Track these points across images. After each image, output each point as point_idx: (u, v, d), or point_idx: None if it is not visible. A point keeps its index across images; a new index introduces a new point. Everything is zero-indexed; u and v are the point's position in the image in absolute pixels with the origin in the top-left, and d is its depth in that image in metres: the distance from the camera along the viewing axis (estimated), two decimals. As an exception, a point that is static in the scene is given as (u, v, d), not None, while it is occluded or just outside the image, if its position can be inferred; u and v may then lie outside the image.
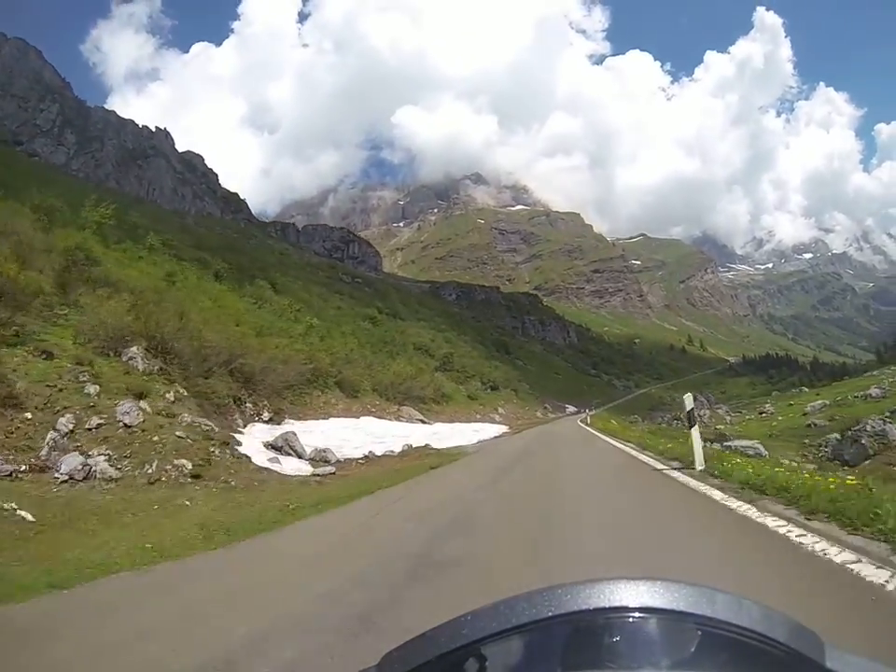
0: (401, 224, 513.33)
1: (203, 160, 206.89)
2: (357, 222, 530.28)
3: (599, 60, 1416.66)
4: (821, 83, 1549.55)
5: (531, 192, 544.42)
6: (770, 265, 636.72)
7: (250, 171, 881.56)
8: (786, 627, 0.74)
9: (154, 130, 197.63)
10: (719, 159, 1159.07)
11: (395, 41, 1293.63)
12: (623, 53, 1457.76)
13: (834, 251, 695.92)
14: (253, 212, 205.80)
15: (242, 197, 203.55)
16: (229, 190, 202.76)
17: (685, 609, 0.74)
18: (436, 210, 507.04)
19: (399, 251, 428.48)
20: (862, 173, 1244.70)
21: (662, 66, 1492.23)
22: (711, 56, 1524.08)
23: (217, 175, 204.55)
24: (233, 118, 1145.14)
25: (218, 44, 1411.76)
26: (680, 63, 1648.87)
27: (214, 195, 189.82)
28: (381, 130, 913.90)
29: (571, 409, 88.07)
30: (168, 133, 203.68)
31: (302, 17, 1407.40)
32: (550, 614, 0.74)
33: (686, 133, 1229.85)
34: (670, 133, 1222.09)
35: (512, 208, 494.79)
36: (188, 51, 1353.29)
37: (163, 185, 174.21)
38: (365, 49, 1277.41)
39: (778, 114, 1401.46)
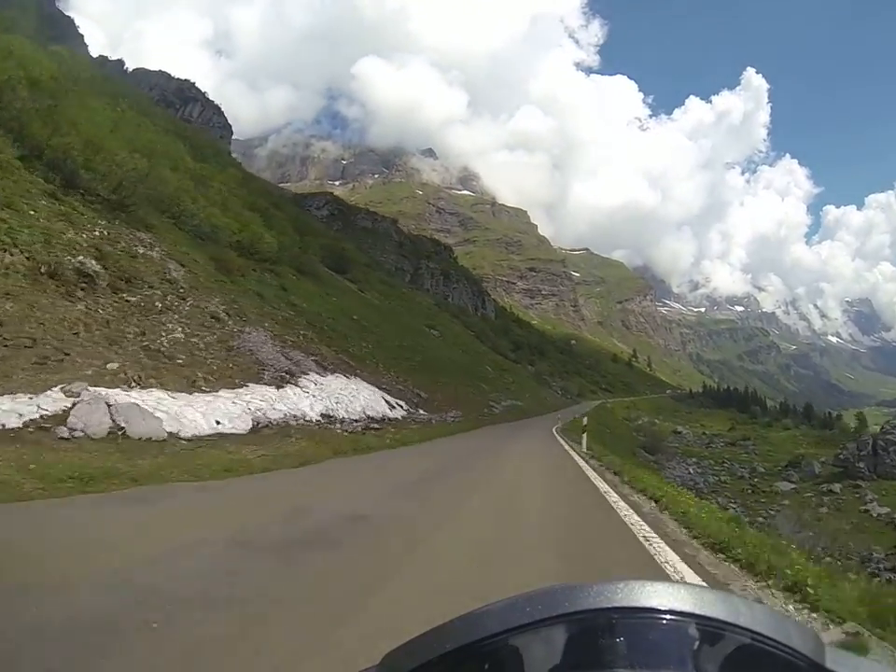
0: (337, 183, 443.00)
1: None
2: (292, 173, 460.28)
3: (586, 71, 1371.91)
4: (787, 154, 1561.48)
5: (480, 180, 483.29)
6: (702, 309, 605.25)
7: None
8: (786, 627, 0.70)
9: None
10: (676, 198, 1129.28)
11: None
12: (611, 74, 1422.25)
13: (764, 309, 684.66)
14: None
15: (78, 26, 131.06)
16: (62, 12, 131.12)
17: (686, 610, 0.70)
18: (377, 176, 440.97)
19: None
20: (804, 245, 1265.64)
21: (644, 98, 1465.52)
22: (693, 101, 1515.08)
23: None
24: (196, 37, 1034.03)
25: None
26: (663, 100, 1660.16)
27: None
28: (343, 81, 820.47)
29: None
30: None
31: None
32: (552, 614, 0.70)
33: (651, 166, 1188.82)
34: (636, 161, 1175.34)
35: (458, 192, 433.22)
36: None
37: None
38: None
39: (742, 172, 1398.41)
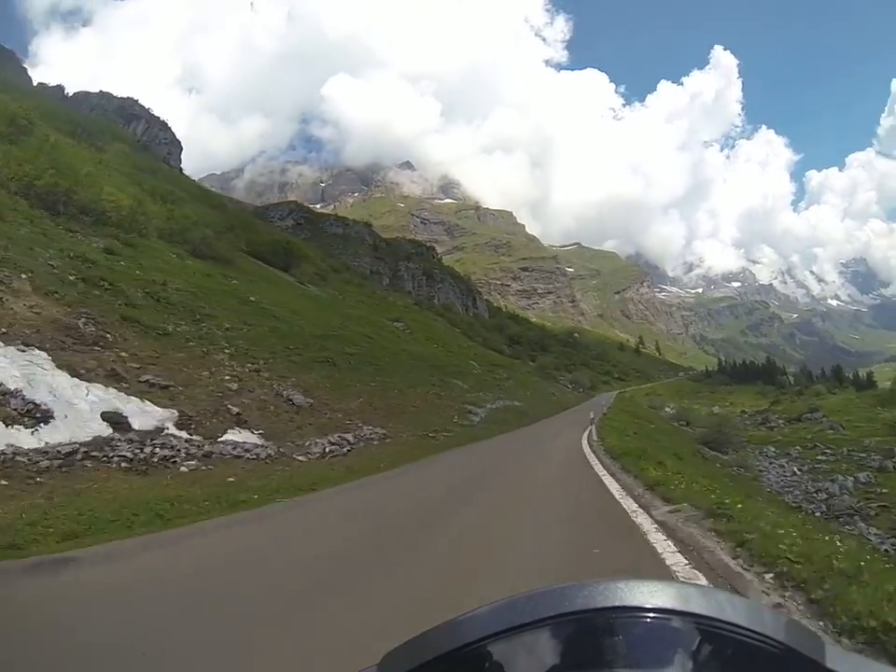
0: (318, 206, 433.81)
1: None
2: (272, 201, 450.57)
3: (555, 67, 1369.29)
4: (763, 125, 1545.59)
5: (462, 186, 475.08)
6: (700, 290, 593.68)
7: (176, 134, 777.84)
8: (786, 627, 0.69)
9: None
10: (659, 183, 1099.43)
11: (346, 15, 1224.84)
12: (581, 69, 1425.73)
13: (761, 282, 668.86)
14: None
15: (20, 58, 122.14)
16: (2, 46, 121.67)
17: (686, 609, 0.69)
18: (356, 194, 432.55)
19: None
20: (792, 213, 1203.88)
21: (616, 88, 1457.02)
22: (665, 85, 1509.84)
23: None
24: (168, 78, 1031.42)
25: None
26: (634, 88, 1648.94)
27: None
28: (313, 103, 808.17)
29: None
30: None
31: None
32: (550, 614, 0.69)
33: (630, 154, 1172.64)
34: (615, 151, 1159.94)
35: (440, 200, 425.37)
36: None
37: None
38: (315, 19, 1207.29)
39: (721, 149, 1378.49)
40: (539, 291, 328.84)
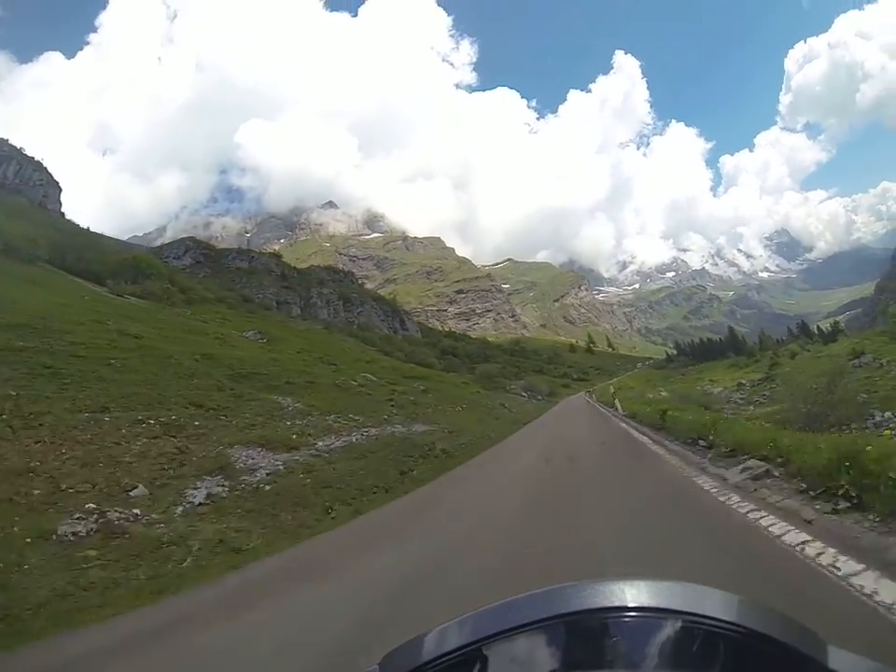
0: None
1: None
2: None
3: (467, 89, 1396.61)
4: (673, 120, 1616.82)
5: (387, 219, 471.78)
6: (636, 285, 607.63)
7: (95, 198, 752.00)
8: (787, 627, 0.69)
9: None
10: (582, 189, 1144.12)
11: (254, 60, 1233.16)
12: (492, 88, 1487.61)
13: (694, 268, 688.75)
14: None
15: None
16: None
17: (686, 609, 0.68)
18: (282, 240, 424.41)
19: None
20: (713, 198, 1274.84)
21: (528, 103, 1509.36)
22: (574, 94, 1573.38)
23: None
24: (80, 139, 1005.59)
25: (71, 56, 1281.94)
26: (545, 100, 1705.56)
27: None
28: (230, 151, 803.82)
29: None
30: None
31: (162, 34, 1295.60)
32: (550, 614, 0.69)
33: (550, 164, 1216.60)
34: (535, 163, 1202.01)
35: (367, 236, 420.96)
36: (33, 61, 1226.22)
37: None
38: (223, 66, 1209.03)
39: (637, 147, 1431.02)
40: (478, 311, 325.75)
